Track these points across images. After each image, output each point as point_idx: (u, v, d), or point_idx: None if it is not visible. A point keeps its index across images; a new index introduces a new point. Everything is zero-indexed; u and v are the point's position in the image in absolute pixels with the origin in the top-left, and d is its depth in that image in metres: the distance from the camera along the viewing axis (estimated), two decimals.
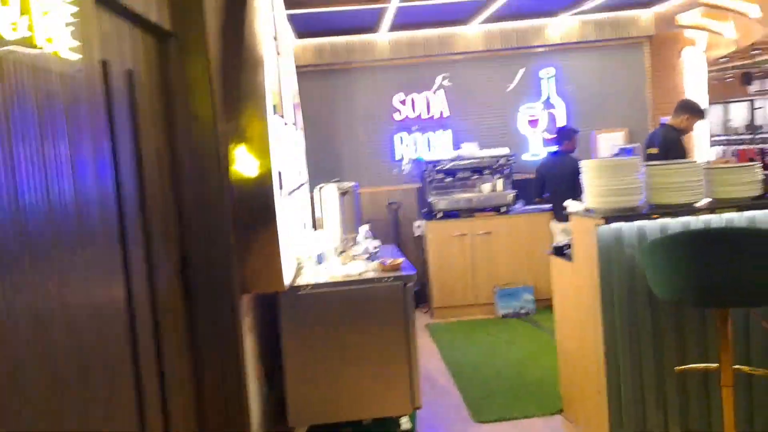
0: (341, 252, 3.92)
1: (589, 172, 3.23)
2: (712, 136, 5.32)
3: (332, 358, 3.41)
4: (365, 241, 3.89)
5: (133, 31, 2.29)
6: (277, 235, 3.01)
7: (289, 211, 3.64)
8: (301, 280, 3.44)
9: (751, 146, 4.75)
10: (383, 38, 6.53)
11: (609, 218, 3.07)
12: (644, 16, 6.71)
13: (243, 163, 3.01)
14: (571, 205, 3.44)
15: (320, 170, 6.58)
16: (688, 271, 2.65)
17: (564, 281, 3.66)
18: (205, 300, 2.70)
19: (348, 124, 6.69)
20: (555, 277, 3.78)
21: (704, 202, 3.18)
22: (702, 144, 7.84)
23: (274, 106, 3.27)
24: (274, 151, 3.10)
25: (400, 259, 3.65)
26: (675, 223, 3.14)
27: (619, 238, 3.14)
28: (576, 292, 3.47)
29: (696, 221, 3.13)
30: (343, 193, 4.18)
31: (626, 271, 3.15)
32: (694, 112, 4.89)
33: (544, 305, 6.08)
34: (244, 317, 3.00)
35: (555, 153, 5.79)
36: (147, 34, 2.45)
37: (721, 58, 12.60)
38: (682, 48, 7.70)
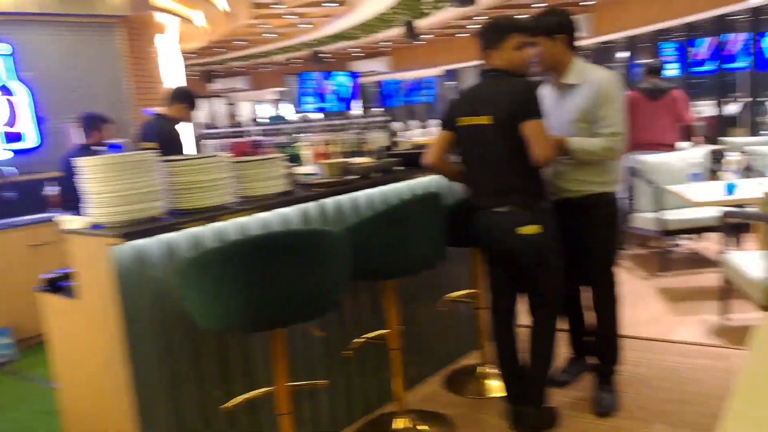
0: None
1: (90, 174, 2.33)
2: (202, 129, 5.00)
3: None
4: None
5: None
6: None
7: None
8: None
9: (244, 139, 4.60)
10: None
11: (129, 234, 2.25)
12: None
13: None
14: (65, 221, 2.46)
15: None
16: (233, 293, 2.09)
17: (65, 325, 2.65)
18: None
19: None
20: (51, 321, 2.73)
21: (236, 202, 2.70)
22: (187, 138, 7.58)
23: None
24: None
25: None
26: (208, 232, 2.55)
27: (143, 258, 2.37)
28: (87, 338, 2.53)
29: (233, 226, 2.62)
30: None
31: (157, 299, 2.40)
32: (190, 101, 4.43)
33: (27, 345, 4.72)
34: None
35: (82, 148, 4.50)
36: None
37: (190, 53, 12.80)
38: (155, 34, 7.18)
